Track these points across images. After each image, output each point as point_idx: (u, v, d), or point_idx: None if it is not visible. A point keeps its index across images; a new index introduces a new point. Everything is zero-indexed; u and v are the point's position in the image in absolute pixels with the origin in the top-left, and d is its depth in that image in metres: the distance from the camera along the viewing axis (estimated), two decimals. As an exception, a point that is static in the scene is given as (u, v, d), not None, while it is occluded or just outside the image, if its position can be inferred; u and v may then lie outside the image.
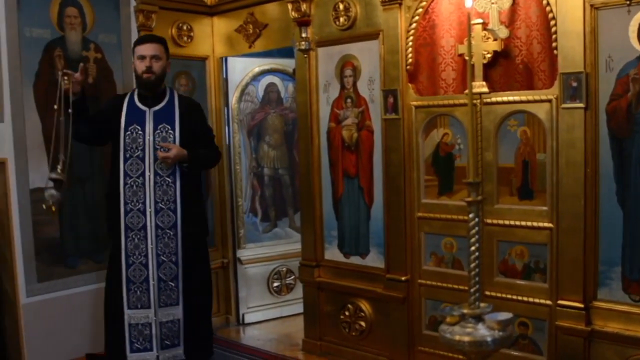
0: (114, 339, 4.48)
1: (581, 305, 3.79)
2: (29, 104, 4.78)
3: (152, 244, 4.36)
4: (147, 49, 4.41)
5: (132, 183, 4.35)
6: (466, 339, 2.16)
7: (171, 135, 4.42)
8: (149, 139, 4.37)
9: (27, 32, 4.76)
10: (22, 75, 4.74)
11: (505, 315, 2.24)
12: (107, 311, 4.57)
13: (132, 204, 4.35)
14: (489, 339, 2.17)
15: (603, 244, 3.75)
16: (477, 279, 2.29)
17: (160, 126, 4.42)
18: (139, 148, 4.35)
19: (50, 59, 4.91)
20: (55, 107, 4.13)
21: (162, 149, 4.34)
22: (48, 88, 4.85)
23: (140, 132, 4.38)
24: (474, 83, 4.12)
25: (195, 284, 4.57)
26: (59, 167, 4.05)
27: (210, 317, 4.87)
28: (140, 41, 4.53)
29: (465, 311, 2.26)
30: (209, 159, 4.81)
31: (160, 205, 4.37)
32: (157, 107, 4.47)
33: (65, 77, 4.16)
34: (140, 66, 4.39)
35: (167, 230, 4.40)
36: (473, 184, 2.32)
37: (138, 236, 4.36)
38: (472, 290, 2.28)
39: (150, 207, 4.36)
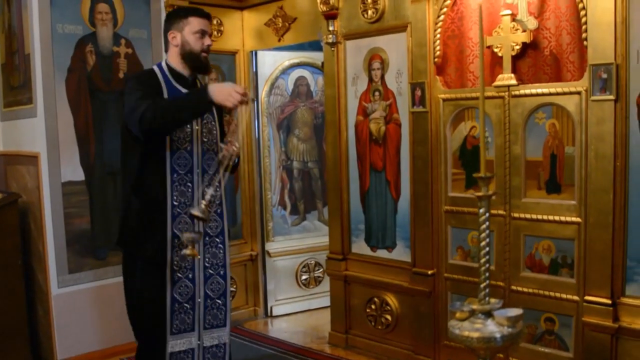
0: None
1: (609, 302, 3.72)
2: (61, 99, 4.87)
3: (199, 255, 3.62)
4: (207, 25, 3.64)
5: (179, 181, 3.54)
6: (475, 335, 2.14)
7: (214, 127, 3.72)
8: (197, 129, 3.59)
9: (59, 28, 4.84)
10: (55, 71, 4.82)
11: (514, 312, 2.21)
12: (141, 337, 3.72)
13: (180, 206, 3.54)
14: (497, 335, 2.14)
15: (632, 240, 3.67)
16: (487, 274, 2.26)
17: (205, 115, 3.68)
18: (187, 139, 3.55)
19: (82, 55, 4.98)
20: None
21: (225, 142, 3.67)
22: (80, 83, 4.95)
23: None
24: (502, 75, 4.07)
25: None
26: (204, 203, 3.39)
27: None
28: (201, 14, 3.66)
29: (474, 307, 2.24)
30: None
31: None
32: None
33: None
34: (198, 43, 3.57)
35: (215, 239, 3.73)
36: (484, 179, 2.29)
37: (183, 245, 3.50)
38: (482, 285, 2.25)
39: None
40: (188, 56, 3.59)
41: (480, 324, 2.19)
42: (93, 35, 5.04)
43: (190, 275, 3.61)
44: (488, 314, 2.22)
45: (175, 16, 3.63)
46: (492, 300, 2.26)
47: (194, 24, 3.57)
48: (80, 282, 4.99)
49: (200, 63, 3.62)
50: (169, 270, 3.53)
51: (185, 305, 3.62)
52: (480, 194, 2.28)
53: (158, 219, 3.51)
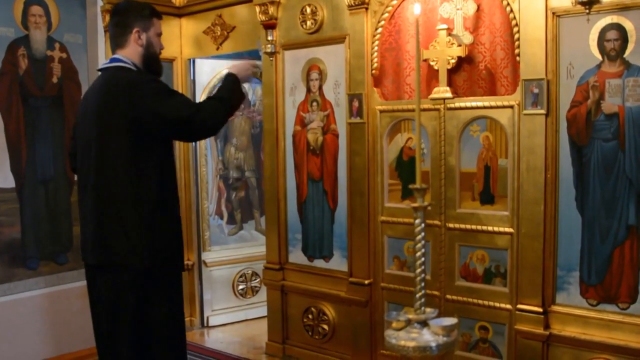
0: None
1: (540, 310, 3.82)
2: (-9, 103, 4.73)
3: None
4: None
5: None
6: (410, 344, 2.16)
7: None
8: None
9: (-11, 30, 4.72)
10: (-16, 74, 4.69)
11: (449, 321, 2.25)
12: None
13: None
14: (433, 344, 2.17)
15: (561, 249, 3.79)
16: (422, 284, 2.30)
17: None
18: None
19: (14, 58, 4.85)
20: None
21: None
22: (11, 87, 4.81)
23: None
24: (438, 88, 4.15)
25: None
26: None
27: None
28: (160, 15, 3.54)
29: (410, 316, 2.27)
30: None
31: None
32: None
33: None
34: (159, 45, 3.49)
35: None
36: (419, 190, 2.33)
37: None
38: (417, 295, 2.29)
39: None
40: (151, 58, 3.44)
41: (416, 333, 2.21)
42: (26, 38, 4.92)
43: None
44: (424, 324, 2.25)
45: (139, 14, 3.41)
46: (428, 309, 2.30)
47: (157, 25, 3.47)
48: (9, 293, 4.83)
49: (160, 66, 3.54)
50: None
51: None
52: (416, 204, 2.32)
53: (179, 230, 3.49)
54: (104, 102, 3.22)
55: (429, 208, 2.72)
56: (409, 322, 2.28)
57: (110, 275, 3.22)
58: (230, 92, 3.38)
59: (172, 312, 3.40)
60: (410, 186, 2.40)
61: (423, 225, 2.33)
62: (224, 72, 5.98)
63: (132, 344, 3.26)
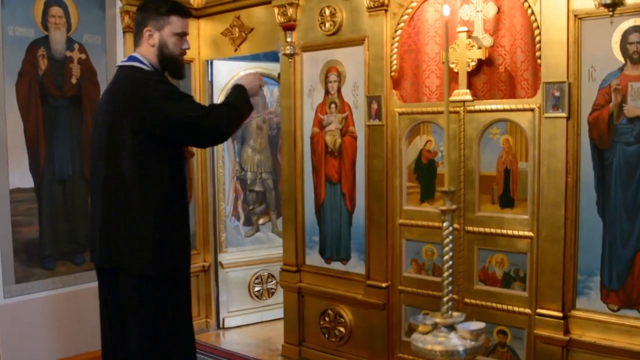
0: None
1: (560, 315, 3.79)
2: (11, 103, 4.74)
3: None
4: (188, 26, 3.38)
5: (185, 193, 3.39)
6: (438, 348, 2.15)
7: None
8: None
9: (10, 30, 4.73)
10: (5, 74, 4.70)
11: (477, 325, 2.23)
12: None
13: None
14: (460, 348, 2.16)
15: (582, 254, 3.76)
16: (450, 288, 2.28)
17: None
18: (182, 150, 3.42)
19: (34, 58, 4.87)
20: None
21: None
22: (30, 87, 4.83)
23: None
24: (457, 91, 4.13)
25: None
26: None
27: None
28: (184, 13, 3.34)
29: (437, 320, 2.25)
30: None
31: None
32: None
33: None
34: (178, 46, 3.29)
35: None
36: (448, 192, 2.31)
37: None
38: (444, 299, 2.27)
39: None
40: (168, 60, 3.28)
41: (444, 337, 2.20)
42: (45, 39, 4.94)
43: None
44: (451, 327, 2.24)
45: (155, 11, 3.24)
46: (455, 313, 2.28)
47: (176, 24, 3.25)
48: (27, 293, 4.85)
49: (180, 69, 3.36)
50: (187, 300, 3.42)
51: None
52: (444, 207, 2.30)
53: (187, 236, 3.35)
54: (113, 102, 3.18)
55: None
56: (435, 326, 2.26)
57: (113, 278, 3.19)
58: (240, 100, 3.30)
59: (175, 319, 3.31)
60: (438, 189, 2.39)
61: (451, 228, 2.31)
62: (237, 79, 6.07)
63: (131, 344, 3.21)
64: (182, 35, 3.29)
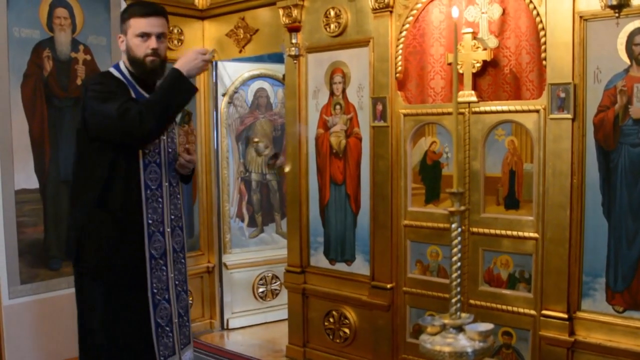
0: None
1: (565, 316, 3.79)
2: (16, 104, 4.75)
3: (171, 273, 3.40)
4: (153, 25, 3.20)
5: (152, 197, 3.28)
6: (446, 349, 2.15)
7: (175, 135, 3.48)
8: (164, 139, 3.34)
9: (15, 32, 4.74)
10: (10, 76, 4.71)
11: (485, 326, 2.23)
12: None
13: (154, 224, 3.29)
14: (469, 349, 2.16)
15: (587, 255, 3.75)
16: (458, 289, 2.28)
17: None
18: (156, 151, 3.30)
19: (39, 60, 4.88)
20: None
21: (185, 151, 3.46)
22: (36, 89, 4.84)
23: None
24: (462, 92, 4.13)
25: None
26: None
27: None
28: (143, 12, 3.21)
29: (446, 321, 2.25)
30: None
31: (174, 222, 3.43)
32: None
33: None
34: (142, 47, 3.19)
35: (179, 254, 3.50)
36: (456, 194, 2.31)
37: (159, 266, 3.32)
38: (453, 300, 2.27)
39: (168, 227, 3.37)
40: (132, 63, 3.24)
41: (452, 338, 2.20)
42: (51, 40, 4.95)
43: (166, 296, 3.35)
44: (459, 329, 2.24)
45: (121, 16, 3.29)
46: (464, 314, 2.28)
47: (135, 26, 3.19)
48: (32, 293, 4.86)
49: (144, 70, 3.23)
50: (150, 294, 3.25)
51: (166, 328, 3.36)
52: (452, 209, 2.30)
53: (131, 238, 3.21)
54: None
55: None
56: (444, 327, 2.26)
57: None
58: (165, 94, 3.06)
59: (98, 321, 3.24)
60: (447, 190, 2.39)
61: (460, 229, 2.31)
62: (246, 74, 6.09)
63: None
64: (144, 35, 3.20)
